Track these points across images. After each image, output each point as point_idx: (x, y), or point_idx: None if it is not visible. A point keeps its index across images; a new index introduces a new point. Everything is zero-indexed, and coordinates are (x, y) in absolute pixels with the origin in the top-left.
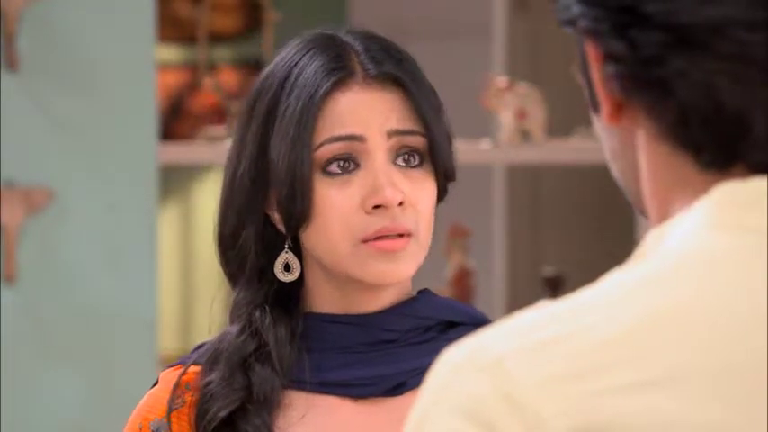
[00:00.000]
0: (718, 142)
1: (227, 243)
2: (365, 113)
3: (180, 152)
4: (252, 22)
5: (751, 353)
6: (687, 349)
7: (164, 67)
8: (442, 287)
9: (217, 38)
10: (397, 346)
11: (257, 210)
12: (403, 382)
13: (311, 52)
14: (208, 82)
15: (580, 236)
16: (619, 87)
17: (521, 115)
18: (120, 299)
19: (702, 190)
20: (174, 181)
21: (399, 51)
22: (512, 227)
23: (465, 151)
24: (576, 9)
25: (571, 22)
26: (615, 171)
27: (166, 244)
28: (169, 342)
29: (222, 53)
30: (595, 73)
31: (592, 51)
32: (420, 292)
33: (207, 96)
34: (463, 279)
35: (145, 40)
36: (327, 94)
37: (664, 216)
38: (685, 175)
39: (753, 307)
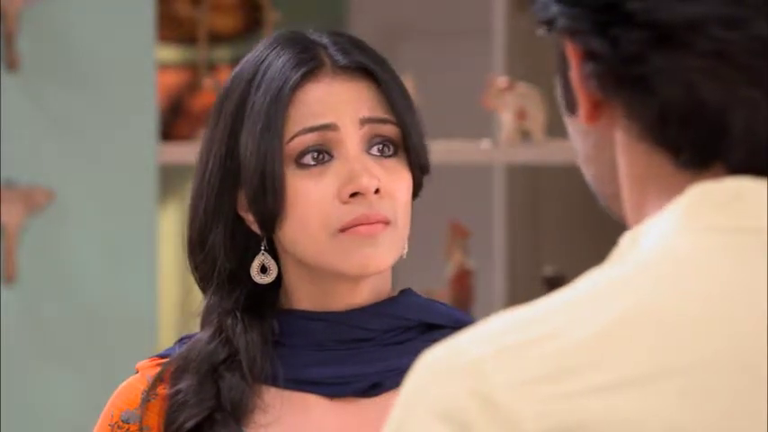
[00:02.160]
0: (697, 141)
1: (196, 247)
2: (336, 103)
3: (180, 152)
4: (252, 22)
5: (721, 352)
6: (659, 349)
7: (164, 67)
8: (442, 287)
9: (217, 38)
10: (372, 346)
11: (226, 211)
12: (379, 382)
13: (278, 48)
14: (208, 82)
15: (580, 236)
16: (598, 86)
17: (521, 115)
18: (120, 299)
19: (679, 190)
20: (174, 181)
21: (367, 45)
22: (512, 227)
23: (465, 151)
24: (554, 9)
25: (549, 22)
26: (589, 174)
27: (166, 244)
28: (169, 342)
29: (222, 53)
30: (574, 72)
31: (571, 51)
32: (401, 291)
33: (207, 96)
34: (463, 279)
35: (145, 40)
36: (297, 85)
37: (641, 216)
38: (663, 175)
39: (723, 307)
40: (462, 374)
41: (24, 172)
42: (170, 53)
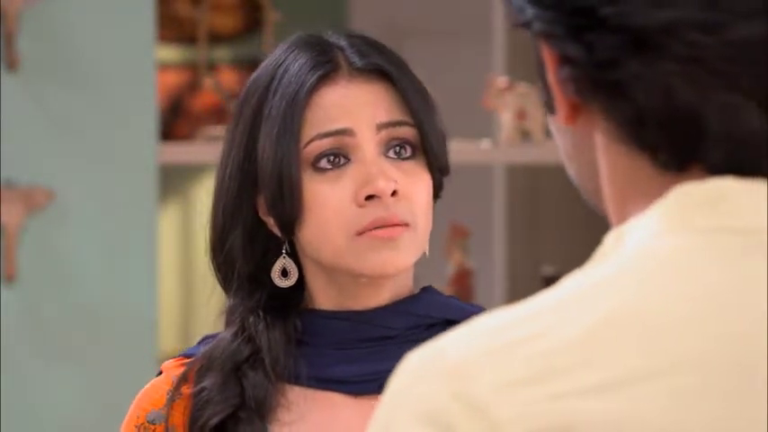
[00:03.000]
0: (674, 143)
1: (217, 249)
2: (353, 107)
3: (180, 152)
4: (252, 22)
5: (708, 353)
6: (645, 350)
7: (164, 66)
8: (442, 287)
9: (217, 38)
10: (396, 343)
11: (245, 214)
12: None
13: (295, 52)
14: (208, 82)
15: (580, 235)
16: (575, 89)
17: (521, 115)
18: (120, 298)
19: (660, 191)
20: (174, 181)
21: (384, 47)
22: (512, 226)
23: (465, 151)
24: (530, 12)
25: (526, 25)
26: (571, 171)
27: (166, 244)
28: (169, 342)
29: (222, 53)
30: (551, 75)
31: (547, 54)
32: (423, 289)
33: (207, 96)
34: (463, 279)
35: (145, 39)
36: (313, 89)
37: (623, 217)
38: (643, 177)
39: (708, 307)
40: (445, 376)
41: (24, 172)
42: (170, 53)
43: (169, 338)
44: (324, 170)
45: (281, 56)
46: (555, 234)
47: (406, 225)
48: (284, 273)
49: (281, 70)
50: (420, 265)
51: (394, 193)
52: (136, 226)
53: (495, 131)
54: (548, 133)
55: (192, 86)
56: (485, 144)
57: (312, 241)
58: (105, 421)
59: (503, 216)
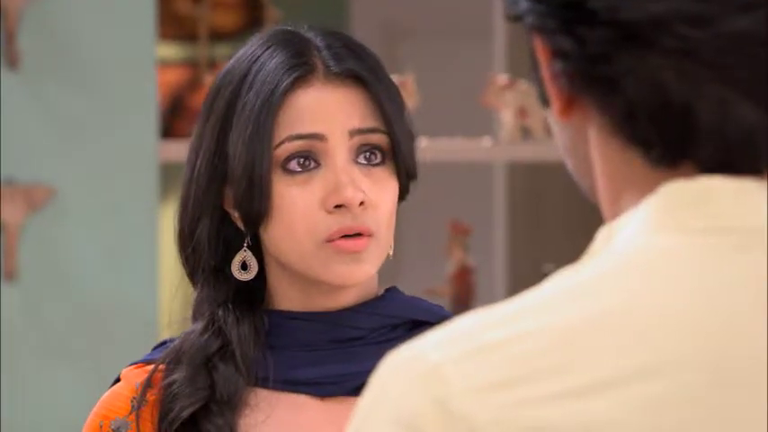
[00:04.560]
0: (666, 138)
1: (185, 241)
2: (327, 112)
3: (181, 150)
4: (252, 19)
5: (686, 355)
6: (621, 354)
7: (164, 64)
8: (442, 285)
9: (217, 35)
10: (362, 345)
11: (213, 207)
12: (369, 381)
13: (272, 48)
14: (208, 80)
15: (581, 233)
16: (568, 84)
17: (521, 113)
18: (120, 297)
19: (652, 187)
20: (175, 178)
21: (361, 48)
22: (512, 225)
23: (466, 149)
24: (523, 5)
25: (519, 18)
26: (569, 166)
27: (167, 242)
28: None
29: (223, 51)
30: (545, 69)
31: (540, 47)
32: (387, 290)
33: None
34: (464, 277)
35: (145, 37)
36: (288, 90)
37: (615, 212)
38: (636, 172)
39: (687, 310)
40: (422, 380)
41: (25, 170)
42: (171, 51)
43: (170, 336)
44: (293, 172)
45: (257, 51)
46: (556, 232)
47: (371, 235)
48: (244, 266)
49: (256, 66)
50: (421, 264)
51: (361, 203)
52: (137, 224)
53: (495, 129)
54: (548, 131)
55: (193, 84)
56: (485, 142)
57: (278, 242)
58: None
59: (503, 214)
